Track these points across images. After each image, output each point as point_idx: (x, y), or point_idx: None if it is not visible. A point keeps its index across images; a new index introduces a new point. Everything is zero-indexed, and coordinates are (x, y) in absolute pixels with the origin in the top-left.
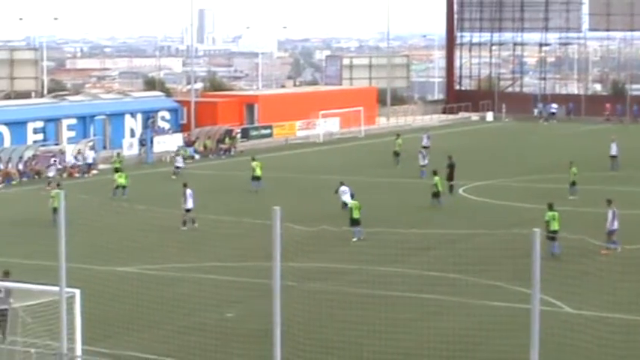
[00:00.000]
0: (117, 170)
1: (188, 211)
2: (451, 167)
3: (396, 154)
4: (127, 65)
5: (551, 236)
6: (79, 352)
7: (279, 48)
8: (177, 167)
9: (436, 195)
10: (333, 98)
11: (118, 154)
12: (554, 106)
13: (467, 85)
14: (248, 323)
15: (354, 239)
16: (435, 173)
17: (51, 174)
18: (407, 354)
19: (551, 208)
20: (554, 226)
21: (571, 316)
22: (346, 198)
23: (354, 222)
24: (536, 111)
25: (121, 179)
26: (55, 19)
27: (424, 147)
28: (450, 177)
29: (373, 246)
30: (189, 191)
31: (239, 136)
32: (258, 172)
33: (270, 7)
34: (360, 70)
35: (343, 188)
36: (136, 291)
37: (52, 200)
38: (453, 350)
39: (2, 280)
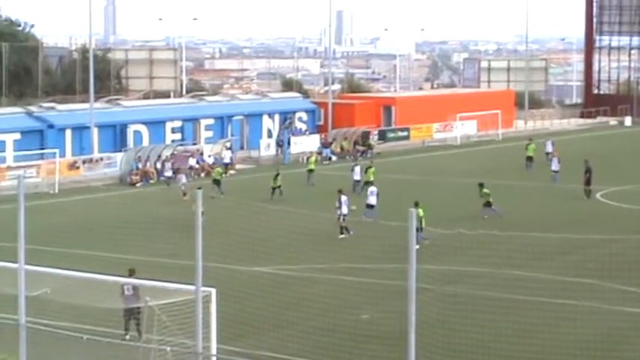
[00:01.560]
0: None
1: (344, 217)
2: (588, 172)
3: (529, 158)
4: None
5: None
6: (214, 350)
7: (416, 50)
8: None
9: (488, 204)
10: (470, 101)
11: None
12: None
13: (605, 89)
14: (382, 325)
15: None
16: (481, 185)
17: (183, 181)
18: (539, 359)
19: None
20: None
21: None
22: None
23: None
24: None
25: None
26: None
27: (547, 153)
28: (588, 182)
29: (508, 250)
30: (344, 198)
31: (376, 138)
32: (371, 177)
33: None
34: (497, 72)
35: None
36: (270, 291)
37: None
38: (585, 357)
39: (133, 279)
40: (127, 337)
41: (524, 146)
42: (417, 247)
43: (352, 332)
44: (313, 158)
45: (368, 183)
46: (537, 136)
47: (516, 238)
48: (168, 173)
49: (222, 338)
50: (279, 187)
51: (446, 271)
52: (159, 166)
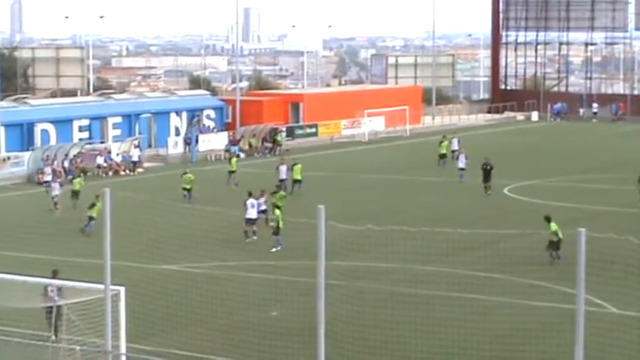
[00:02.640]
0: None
1: (251, 221)
2: (490, 167)
3: (442, 156)
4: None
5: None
6: (123, 349)
7: (324, 47)
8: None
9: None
10: (378, 97)
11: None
12: (595, 105)
13: (512, 84)
14: (292, 322)
15: (274, 250)
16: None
17: (55, 192)
18: (450, 354)
19: (549, 220)
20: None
21: (616, 317)
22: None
23: (276, 231)
24: (581, 111)
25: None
26: (101, 17)
27: (454, 151)
28: (487, 178)
29: (418, 245)
30: (250, 201)
31: (284, 135)
32: (298, 176)
33: (316, 6)
34: (405, 69)
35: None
36: (180, 289)
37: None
38: (497, 350)
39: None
40: (53, 338)
41: (438, 143)
42: None
43: (262, 329)
44: (234, 160)
45: (296, 181)
46: (445, 132)
47: (426, 233)
48: (48, 177)
49: (131, 337)
50: (189, 189)
51: (355, 267)
52: (66, 164)
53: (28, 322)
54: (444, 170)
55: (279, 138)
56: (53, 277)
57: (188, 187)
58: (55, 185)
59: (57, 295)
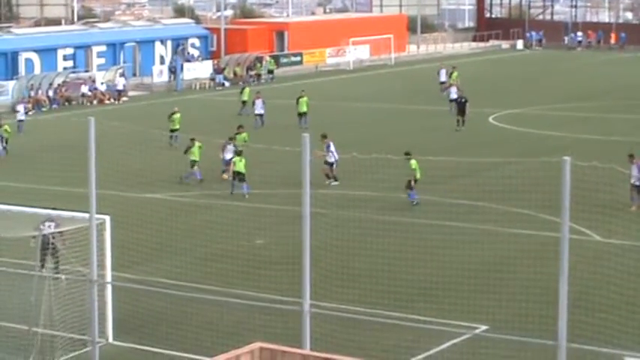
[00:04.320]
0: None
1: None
2: (464, 100)
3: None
4: None
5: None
6: (109, 278)
7: None
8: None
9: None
10: (363, 25)
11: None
12: (580, 34)
13: (497, 12)
14: (277, 250)
15: (245, 195)
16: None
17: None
18: (433, 282)
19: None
20: (418, 175)
21: (600, 245)
22: (228, 155)
23: (241, 177)
24: (566, 39)
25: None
26: None
27: (442, 83)
28: (462, 111)
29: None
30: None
31: (267, 67)
32: (304, 109)
33: None
34: None
35: (230, 147)
36: (165, 218)
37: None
38: (481, 278)
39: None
40: (44, 270)
41: (437, 72)
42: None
43: (247, 258)
44: (247, 89)
45: (301, 114)
46: (431, 60)
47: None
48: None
49: (116, 266)
50: (176, 129)
51: (340, 195)
52: (51, 93)
53: (14, 252)
54: (433, 98)
55: (258, 66)
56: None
57: (177, 127)
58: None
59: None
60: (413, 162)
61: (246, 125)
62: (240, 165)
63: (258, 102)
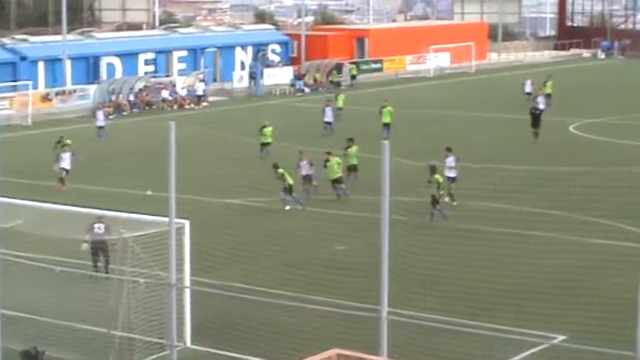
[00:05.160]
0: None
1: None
2: (535, 113)
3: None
4: None
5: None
6: (187, 282)
7: None
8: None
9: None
10: (444, 33)
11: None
12: None
13: (579, 21)
14: (355, 257)
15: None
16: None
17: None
18: (511, 290)
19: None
20: (353, 160)
21: None
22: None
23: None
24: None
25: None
26: None
27: (528, 93)
28: (535, 123)
29: (480, 182)
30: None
31: (348, 69)
32: (387, 119)
33: None
34: (471, 4)
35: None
36: (243, 223)
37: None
38: (559, 287)
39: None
40: (96, 269)
41: (542, 83)
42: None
43: (326, 264)
44: (342, 96)
45: (339, 109)
46: (512, 68)
47: (490, 170)
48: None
49: (194, 270)
50: (267, 143)
51: (419, 203)
52: (131, 98)
53: (86, 254)
54: (514, 106)
55: (333, 74)
56: (98, 222)
57: (269, 140)
58: (100, 114)
59: (104, 232)
60: (437, 176)
61: (315, 133)
62: (336, 170)
63: (328, 110)
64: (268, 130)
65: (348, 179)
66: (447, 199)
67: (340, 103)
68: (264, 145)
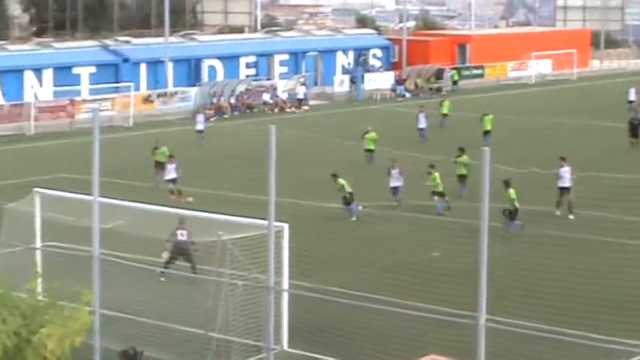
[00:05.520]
0: None
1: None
2: (634, 123)
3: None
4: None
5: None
6: (285, 285)
7: None
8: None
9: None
10: (545, 39)
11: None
12: None
13: None
14: (453, 263)
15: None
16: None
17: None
18: (611, 300)
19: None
20: (462, 170)
21: None
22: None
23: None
24: None
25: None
26: None
27: (630, 102)
28: (634, 133)
29: (583, 190)
30: (394, 171)
31: (449, 75)
32: (488, 127)
33: None
34: (573, 11)
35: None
36: (342, 227)
37: None
38: None
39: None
40: (162, 279)
41: (626, 90)
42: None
43: (423, 270)
44: (447, 102)
45: (444, 115)
46: (614, 76)
47: (593, 178)
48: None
49: (293, 274)
50: (371, 150)
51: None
52: (232, 101)
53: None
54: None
55: (431, 80)
56: (181, 225)
57: (372, 147)
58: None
59: (187, 239)
60: (511, 191)
61: (415, 139)
62: (438, 183)
63: (421, 116)
64: (371, 135)
65: (460, 189)
66: (557, 212)
67: (445, 110)
68: (367, 151)
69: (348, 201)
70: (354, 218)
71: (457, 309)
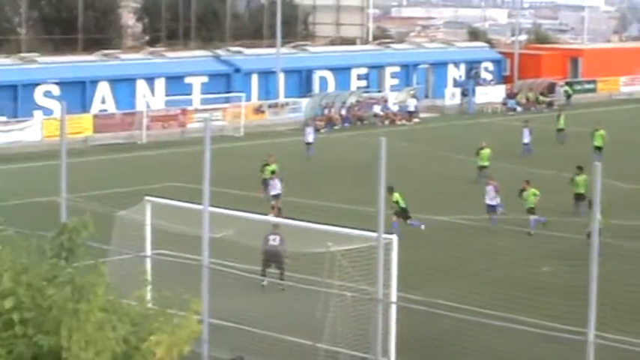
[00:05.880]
0: None
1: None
2: None
3: None
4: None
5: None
6: (394, 297)
7: (605, 2)
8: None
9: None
10: None
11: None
12: None
13: None
14: (562, 278)
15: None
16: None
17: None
18: None
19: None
20: (580, 189)
21: None
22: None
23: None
24: None
25: None
26: None
27: None
28: None
29: None
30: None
31: (562, 89)
32: (599, 142)
33: None
34: None
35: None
36: (450, 240)
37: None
38: None
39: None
40: (264, 282)
41: None
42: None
43: (532, 285)
44: (563, 117)
45: (560, 130)
46: None
47: None
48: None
49: (401, 286)
50: (485, 166)
51: (627, 226)
52: (343, 112)
53: (304, 268)
54: None
55: (543, 95)
56: (274, 231)
57: (486, 164)
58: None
59: (280, 244)
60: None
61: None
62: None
63: (526, 131)
64: (486, 152)
65: (576, 208)
66: None
67: (562, 124)
68: (481, 167)
69: (402, 215)
70: (422, 227)
71: (564, 324)
